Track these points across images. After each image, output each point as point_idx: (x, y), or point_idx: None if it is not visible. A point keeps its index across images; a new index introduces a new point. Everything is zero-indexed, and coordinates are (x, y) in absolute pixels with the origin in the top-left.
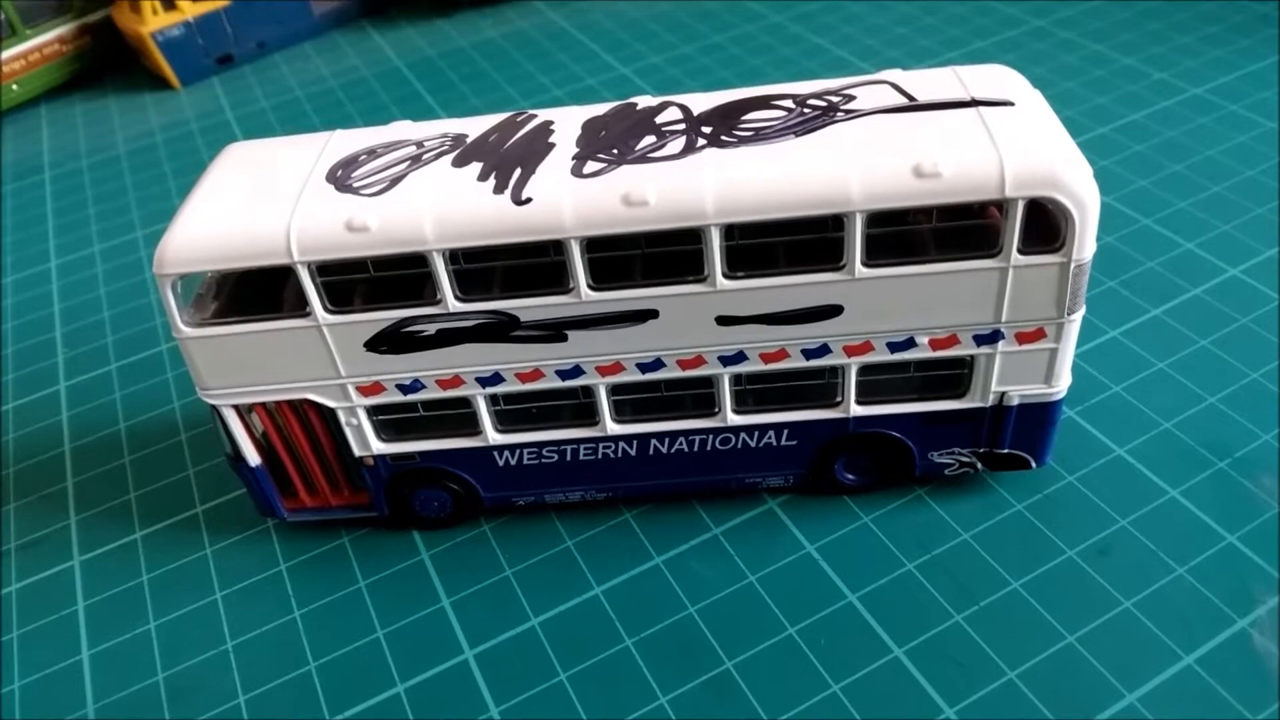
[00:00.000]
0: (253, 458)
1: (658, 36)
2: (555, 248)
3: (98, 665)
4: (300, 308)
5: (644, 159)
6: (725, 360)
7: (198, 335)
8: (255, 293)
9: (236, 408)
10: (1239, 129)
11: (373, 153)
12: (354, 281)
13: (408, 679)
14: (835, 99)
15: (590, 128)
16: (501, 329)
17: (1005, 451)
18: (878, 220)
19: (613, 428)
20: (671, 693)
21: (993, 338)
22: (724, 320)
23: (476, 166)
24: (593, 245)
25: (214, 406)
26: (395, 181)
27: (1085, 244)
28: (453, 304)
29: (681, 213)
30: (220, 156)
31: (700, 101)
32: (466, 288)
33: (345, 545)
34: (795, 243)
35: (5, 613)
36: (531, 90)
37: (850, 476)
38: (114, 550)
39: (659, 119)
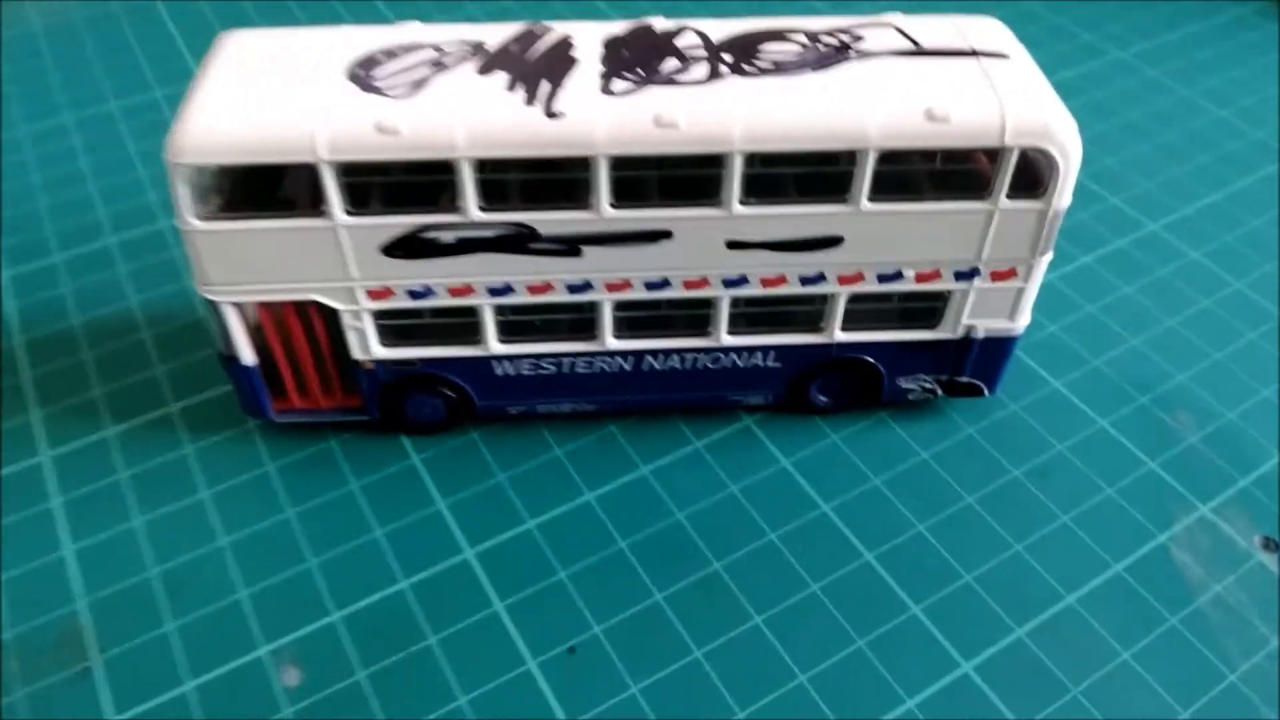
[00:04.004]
0: (248, 357)
1: None
2: (578, 163)
3: (84, 561)
4: (311, 206)
5: (670, 82)
6: (728, 283)
7: (207, 229)
8: (258, 188)
9: (237, 305)
10: (1158, 93)
11: (391, 53)
12: (370, 183)
13: (410, 576)
14: (846, 38)
15: (611, 46)
16: (519, 241)
17: (964, 380)
18: (887, 158)
19: (612, 343)
20: (666, 590)
21: (970, 274)
22: (733, 245)
23: (503, 76)
24: (616, 164)
25: (214, 303)
26: (420, 84)
27: (1065, 193)
28: (475, 213)
29: (710, 138)
30: (219, 46)
31: (715, 29)
32: (486, 197)
33: (333, 448)
34: (801, 174)
35: None
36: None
37: (823, 398)
38: (85, 447)
39: (679, 43)
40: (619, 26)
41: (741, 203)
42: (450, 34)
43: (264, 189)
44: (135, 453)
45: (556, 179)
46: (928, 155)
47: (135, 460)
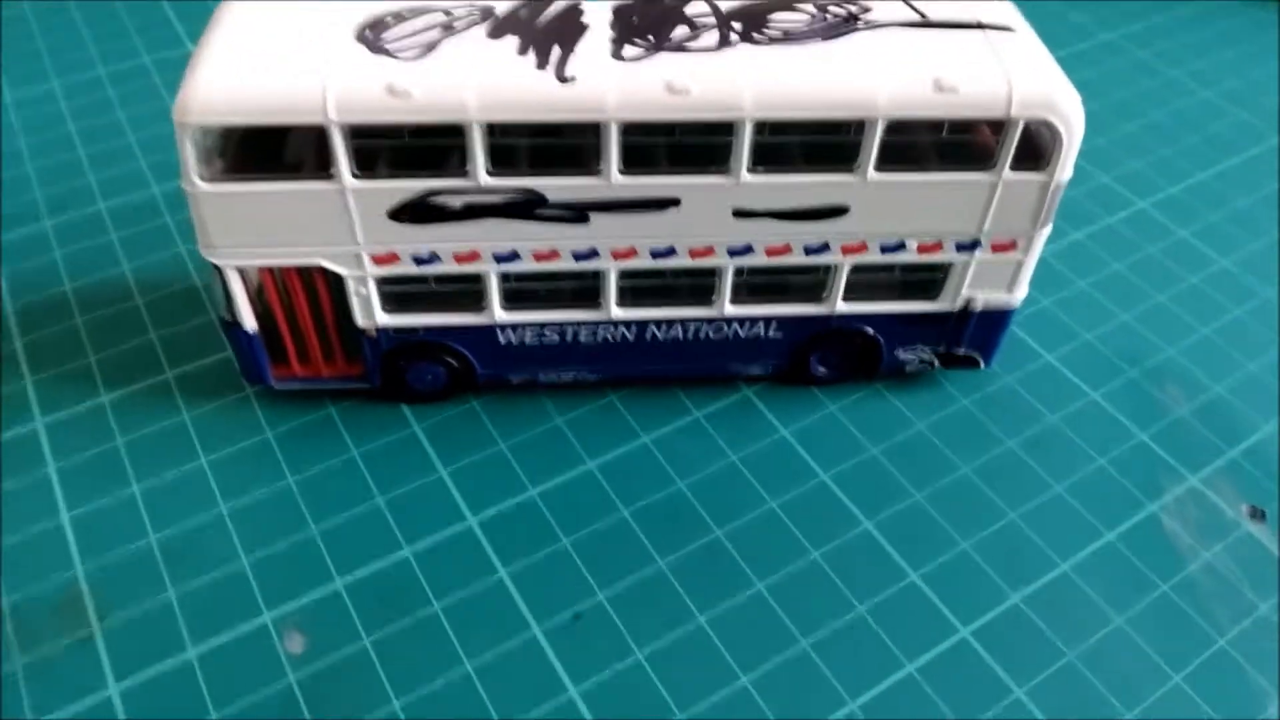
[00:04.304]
0: (250, 323)
1: None
2: (587, 129)
3: (81, 527)
4: (317, 169)
5: (681, 49)
6: (733, 252)
7: (213, 191)
8: (261, 151)
9: (241, 270)
10: (1147, 75)
11: (399, 16)
12: (378, 147)
13: (414, 543)
14: (854, 8)
15: (621, 12)
16: (527, 207)
17: (961, 352)
18: (894, 128)
19: (616, 312)
20: (668, 557)
21: (972, 246)
22: (740, 213)
23: (513, 40)
24: (627, 130)
25: (218, 267)
26: (430, 48)
27: (1067, 166)
28: (484, 178)
29: (721, 104)
30: (224, 7)
31: None
32: (495, 163)
33: (333, 415)
34: (808, 143)
35: None
36: None
37: (822, 369)
38: (80, 413)
39: (688, 10)
40: None
41: (750, 171)
42: None
43: (267, 152)
44: (131, 419)
45: (565, 145)
46: (933, 126)
47: (132, 426)
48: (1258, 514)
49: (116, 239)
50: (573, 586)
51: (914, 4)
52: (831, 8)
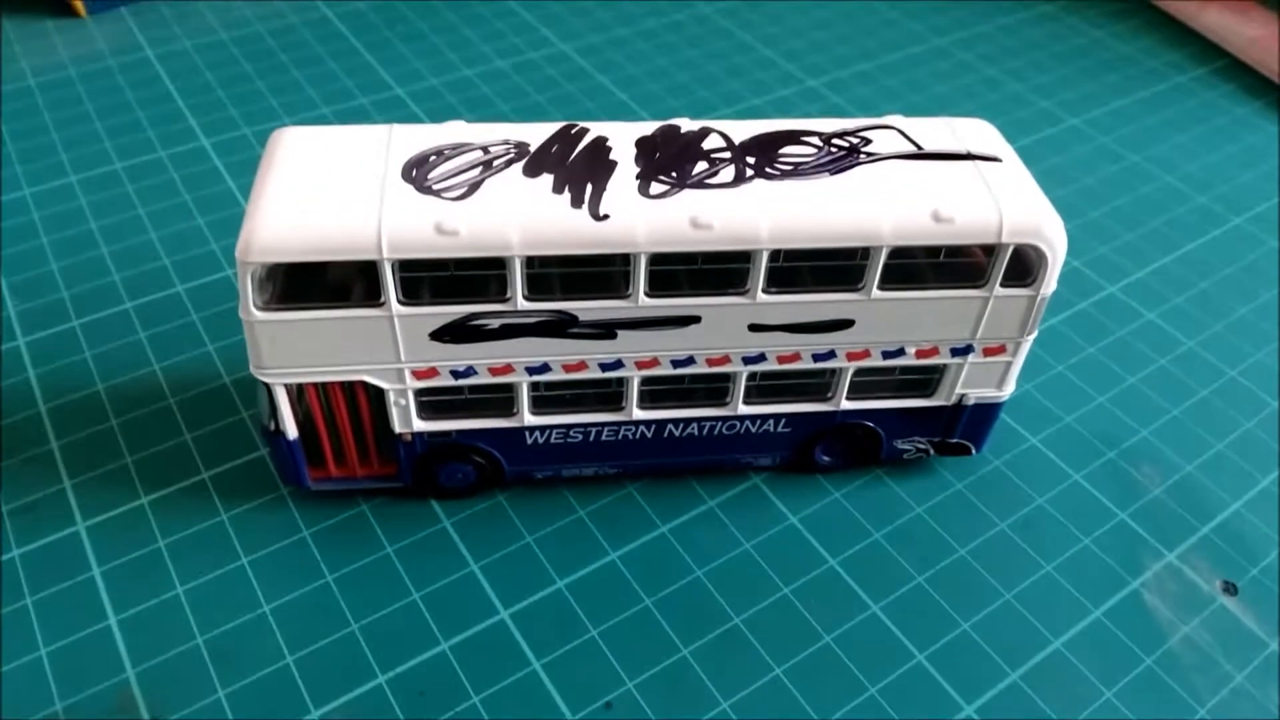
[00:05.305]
0: (292, 432)
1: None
2: (617, 258)
3: (128, 630)
4: (365, 297)
5: (702, 184)
6: (747, 360)
7: (268, 319)
8: (305, 279)
9: (287, 386)
10: (1109, 159)
11: (441, 154)
12: (422, 276)
13: (450, 637)
14: (855, 140)
15: (643, 147)
16: (560, 326)
17: (954, 441)
18: (896, 254)
19: (637, 413)
20: (691, 645)
21: (965, 350)
22: (755, 327)
23: (548, 178)
24: (654, 259)
25: (268, 385)
26: (474, 187)
27: (1051, 281)
28: (521, 303)
29: (740, 237)
30: (276, 143)
31: (736, 130)
32: (532, 288)
33: (366, 513)
34: (818, 266)
35: (11, 578)
36: (506, 51)
37: (825, 458)
38: (121, 516)
39: (705, 145)
40: (648, 127)
41: (765, 291)
42: (493, 134)
43: (310, 279)
44: (171, 520)
45: (596, 271)
46: (931, 250)
47: (172, 528)
48: (1230, 588)
49: (145, 338)
50: (603, 676)
51: (908, 135)
52: (835, 140)
